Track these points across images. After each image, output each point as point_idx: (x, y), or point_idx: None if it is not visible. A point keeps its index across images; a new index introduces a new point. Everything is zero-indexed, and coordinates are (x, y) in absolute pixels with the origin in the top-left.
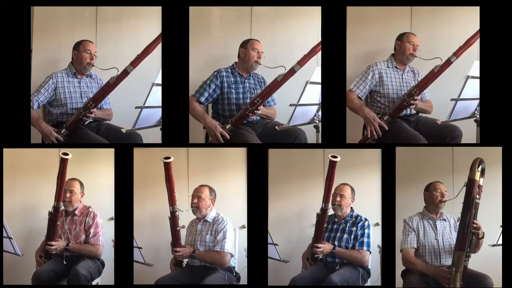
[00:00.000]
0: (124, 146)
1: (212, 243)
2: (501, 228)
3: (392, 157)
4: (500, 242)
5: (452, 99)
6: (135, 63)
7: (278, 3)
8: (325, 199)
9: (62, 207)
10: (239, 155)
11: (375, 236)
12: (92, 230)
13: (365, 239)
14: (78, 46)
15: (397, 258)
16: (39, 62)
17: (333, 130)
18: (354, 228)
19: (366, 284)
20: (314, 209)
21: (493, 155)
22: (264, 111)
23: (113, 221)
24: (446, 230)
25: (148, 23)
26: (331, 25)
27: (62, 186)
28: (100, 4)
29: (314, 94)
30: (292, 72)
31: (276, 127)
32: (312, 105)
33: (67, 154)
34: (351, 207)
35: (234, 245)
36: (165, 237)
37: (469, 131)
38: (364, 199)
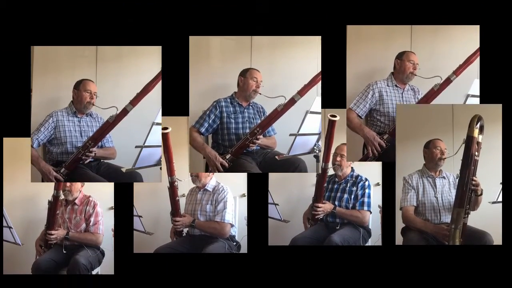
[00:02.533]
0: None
1: (213, 213)
2: (501, 185)
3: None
4: (500, 199)
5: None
6: (134, 102)
7: (278, 33)
8: (325, 159)
9: (62, 196)
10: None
11: (375, 196)
12: (92, 219)
13: (366, 199)
14: (78, 85)
15: (397, 217)
16: (39, 101)
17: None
18: (355, 188)
19: (367, 244)
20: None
21: (494, 112)
22: (264, 141)
23: (113, 210)
24: (446, 188)
25: (148, 62)
26: (331, 46)
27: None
28: (100, 43)
29: (314, 123)
30: (292, 102)
31: (276, 157)
32: (312, 135)
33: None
34: (352, 167)
35: (234, 214)
36: (164, 206)
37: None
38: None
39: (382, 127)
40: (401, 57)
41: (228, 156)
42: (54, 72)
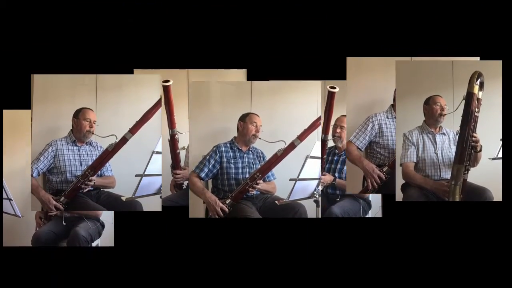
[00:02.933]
0: None
1: None
2: (500, 142)
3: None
4: (500, 155)
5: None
6: (133, 130)
7: (278, 78)
8: (324, 130)
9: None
10: (239, 76)
11: None
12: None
13: None
14: (78, 114)
15: (397, 173)
16: (39, 130)
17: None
18: None
19: (367, 216)
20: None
21: (493, 69)
22: (263, 186)
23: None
24: (446, 144)
25: (148, 91)
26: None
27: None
28: (100, 72)
29: (314, 168)
30: (292, 146)
31: (276, 202)
32: (312, 180)
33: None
34: None
35: None
36: (164, 159)
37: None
38: None
39: (382, 159)
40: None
41: (228, 201)
42: (54, 100)
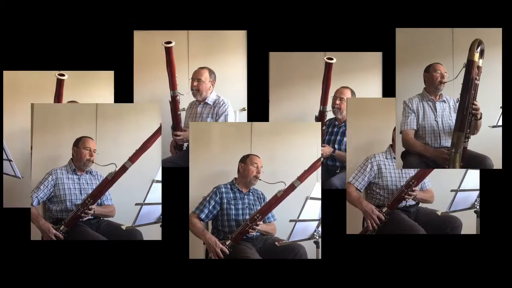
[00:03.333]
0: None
1: None
2: (501, 110)
3: (392, 47)
4: (500, 123)
5: (452, 190)
6: (133, 158)
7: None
8: (323, 102)
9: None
10: (239, 38)
11: None
12: None
13: None
14: (78, 143)
15: (397, 141)
16: (39, 159)
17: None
18: None
19: None
20: (315, 112)
21: (494, 37)
22: (263, 228)
23: None
24: (446, 112)
25: (148, 120)
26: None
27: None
28: (99, 31)
29: (314, 209)
30: (292, 188)
31: (276, 243)
32: (312, 221)
33: (63, 75)
34: None
35: None
36: (165, 120)
37: (469, 222)
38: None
39: (381, 200)
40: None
41: (228, 242)
42: (54, 129)
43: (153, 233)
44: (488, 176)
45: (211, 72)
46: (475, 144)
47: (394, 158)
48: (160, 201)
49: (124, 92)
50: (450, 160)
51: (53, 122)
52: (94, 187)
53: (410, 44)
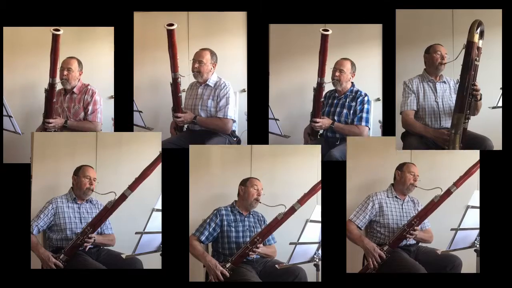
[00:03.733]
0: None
1: (214, 108)
2: (500, 91)
3: (393, 20)
4: (500, 104)
5: (452, 229)
6: (133, 187)
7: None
8: (320, 73)
9: (61, 86)
10: (239, 19)
11: (376, 111)
12: (90, 107)
13: (364, 115)
14: (78, 172)
15: (397, 122)
16: (39, 187)
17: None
18: (354, 103)
19: None
20: (314, 84)
21: (494, 18)
22: (263, 250)
23: (113, 99)
24: (446, 93)
25: (148, 148)
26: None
27: (56, 62)
28: (99, 14)
29: (314, 232)
30: (292, 210)
31: (276, 266)
32: (312, 244)
33: (58, 30)
34: (352, 82)
35: (235, 110)
36: (165, 102)
37: (469, 261)
38: (365, 74)
39: (382, 239)
40: (402, 168)
41: (228, 265)
42: (54, 158)
43: (153, 262)
44: (488, 157)
45: (212, 54)
46: (475, 125)
47: (396, 197)
48: (160, 230)
49: (123, 73)
50: (450, 141)
51: (53, 151)
52: (94, 216)
53: (410, 25)
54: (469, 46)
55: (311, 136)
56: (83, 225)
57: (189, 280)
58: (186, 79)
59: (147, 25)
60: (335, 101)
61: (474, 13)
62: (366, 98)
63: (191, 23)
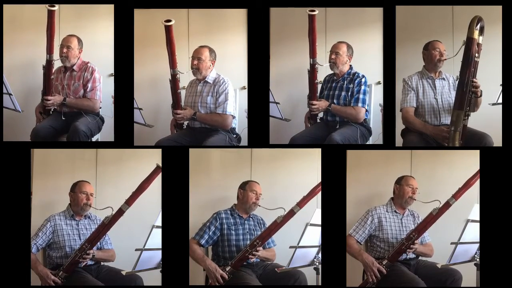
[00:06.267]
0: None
1: (214, 105)
2: (500, 87)
3: (392, 16)
4: (500, 100)
5: (452, 243)
6: (130, 201)
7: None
8: (312, 54)
9: (60, 63)
10: (239, 16)
11: (377, 95)
12: (89, 85)
13: (361, 96)
14: (74, 188)
15: (397, 118)
16: (38, 204)
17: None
18: (352, 85)
19: (368, 143)
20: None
21: (494, 14)
22: (263, 253)
23: (113, 77)
24: (445, 89)
25: (148, 164)
26: (331, 167)
27: (52, 38)
28: (100, 146)
29: (314, 236)
30: (291, 213)
31: (276, 269)
32: (312, 247)
33: (53, 6)
34: (350, 65)
35: (235, 107)
36: (165, 99)
37: (469, 275)
38: (366, 58)
39: (382, 253)
40: (400, 182)
41: (228, 268)
42: (53, 174)
43: (153, 278)
44: (488, 154)
45: (211, 51)
46: (475, 121)
47: (395, 211)
48: (160, 247)
49: (123, 67)
50: (450, 138)
51: (53, 168)
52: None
53: (410, 22)
54: (469, 43)
55: (311, 120)
56: (82, 242)
57: (189, 283)
58: (186, 76)
59: (147, 22)
60: (334, 84)
61: (474, 9)
62: (363, 80)
63: (191, 20)
